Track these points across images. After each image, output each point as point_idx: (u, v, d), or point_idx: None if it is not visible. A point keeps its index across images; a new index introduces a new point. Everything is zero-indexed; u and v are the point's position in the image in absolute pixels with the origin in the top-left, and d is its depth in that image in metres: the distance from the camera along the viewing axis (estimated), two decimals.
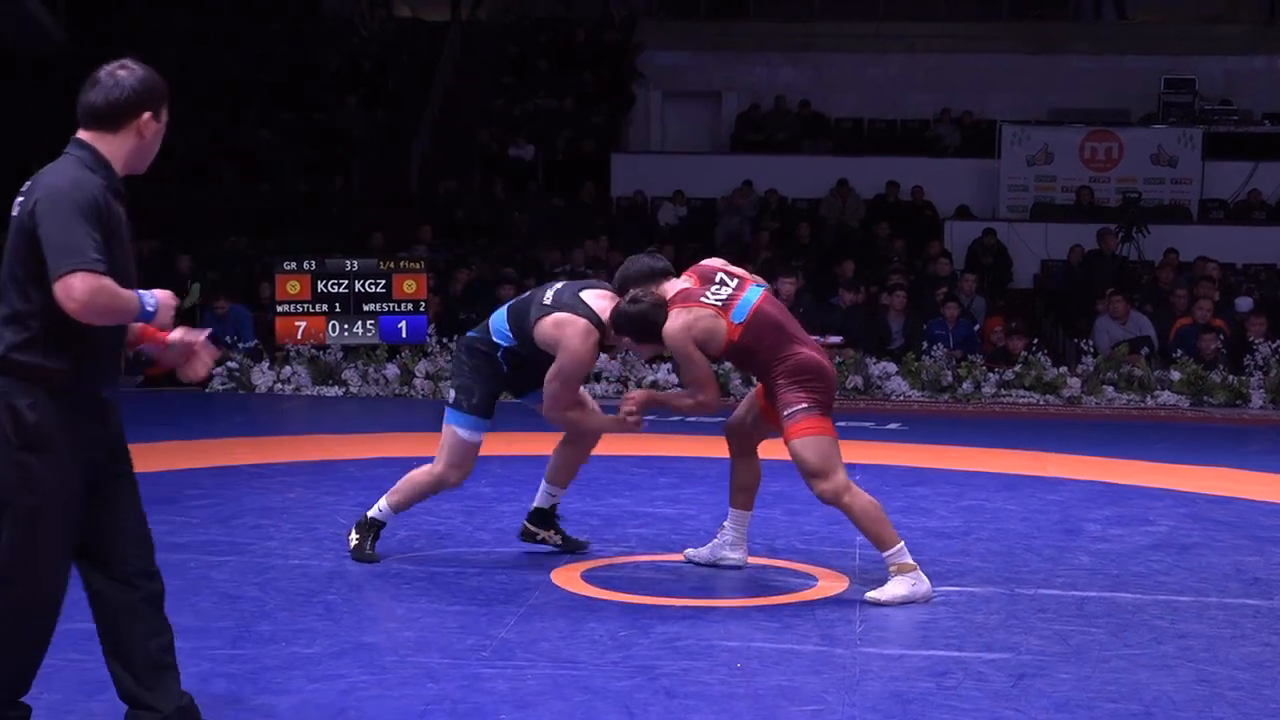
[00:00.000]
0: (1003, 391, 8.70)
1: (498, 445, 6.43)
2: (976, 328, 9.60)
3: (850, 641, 3.33)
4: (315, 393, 8.57)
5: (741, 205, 12.69)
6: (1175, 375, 8.62)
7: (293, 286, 8.83)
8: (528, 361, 3.85)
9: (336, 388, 8.61)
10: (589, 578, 3.90)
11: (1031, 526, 4.76)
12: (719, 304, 3.71)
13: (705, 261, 3.91)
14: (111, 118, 2.34)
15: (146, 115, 2.37)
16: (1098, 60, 14.03)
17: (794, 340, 3.72)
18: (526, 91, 14.22)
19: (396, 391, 8.57)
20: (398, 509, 4.03)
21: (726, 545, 4.00)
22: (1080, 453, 6.57)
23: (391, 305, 8.86)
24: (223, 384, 8.73)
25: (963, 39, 14.34)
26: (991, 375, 8.77)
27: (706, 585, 3.87)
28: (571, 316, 3.73)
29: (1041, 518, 4.92)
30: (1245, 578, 4.07)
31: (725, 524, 4.03)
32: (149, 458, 5.74)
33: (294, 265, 8.92)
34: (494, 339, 3.87)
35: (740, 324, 3.69)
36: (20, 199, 2.33)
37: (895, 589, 3.64)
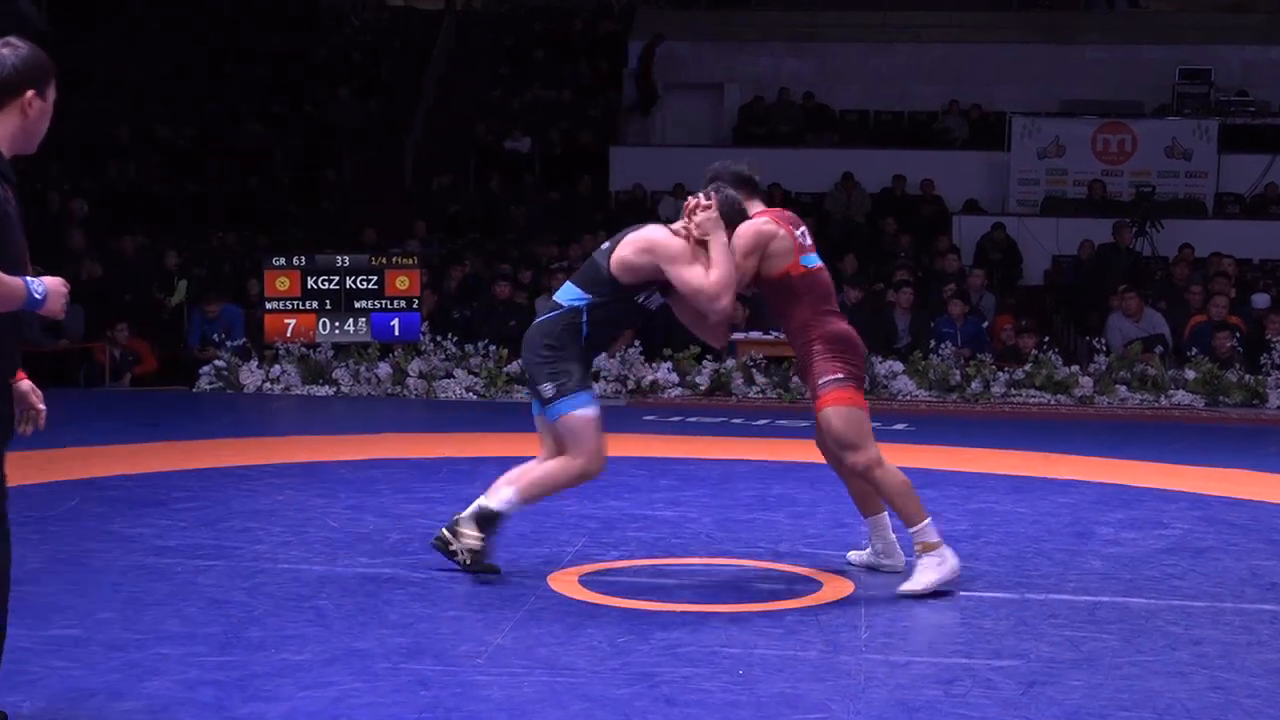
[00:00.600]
0: (1012, 391, 8.61)
1: (494, 447, 6.40)
2: (985, 325, 9.50)
3: (855, 648, 3.26)
4: (305, 392, 8.53)
5: None
6: (1190, 374, 8.52)
7: (282, 283, 8.78)
8: (609, 320, 3.76)
9: (327, 387, 8.56)
10: (587, 582, 3.83)
11: (1042, 530, 4.68)
12: (802, 240, 3.77)
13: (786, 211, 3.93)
14: None
15: (30, 93, 2.34)
16: (1110, 50, 13.91)
17: (835, 311, 3.79)
18: (522, 83, 14.16)
19: (389, 391, 8.52)
20: (525, 502, 3.79)
21: (881, 555, 3.96)
22: (1092, 454, 6.49)
23: (384, 302, 8.80)
24: (210, 383, 8.69)
25: (971, 28, 14.24)
26: (1001, 374, 8.68)
27: (707, 590, 3.80)
28: (637, 232, 3.73)
29: (1052, 520, 4.84)
30: (1261, 582, 3.99)
31: (871, 538, 3.98)
32: (135, 459, 5.73)
33: (283, 261, 8.88)
34: (570, 305, 3.73)
35: (806, 268, 3.73)
36: None
37: (925, 576, 3.63)
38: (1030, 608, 3.64)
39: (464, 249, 11.49)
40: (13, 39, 2.37)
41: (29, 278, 2.30)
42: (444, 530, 3.83)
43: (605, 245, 3.79)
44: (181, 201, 12.58)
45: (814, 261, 3.78)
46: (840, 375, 3.66)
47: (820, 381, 3.69)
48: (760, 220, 3.75)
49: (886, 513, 3.90)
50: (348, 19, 15.30)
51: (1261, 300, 9.64)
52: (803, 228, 3.84)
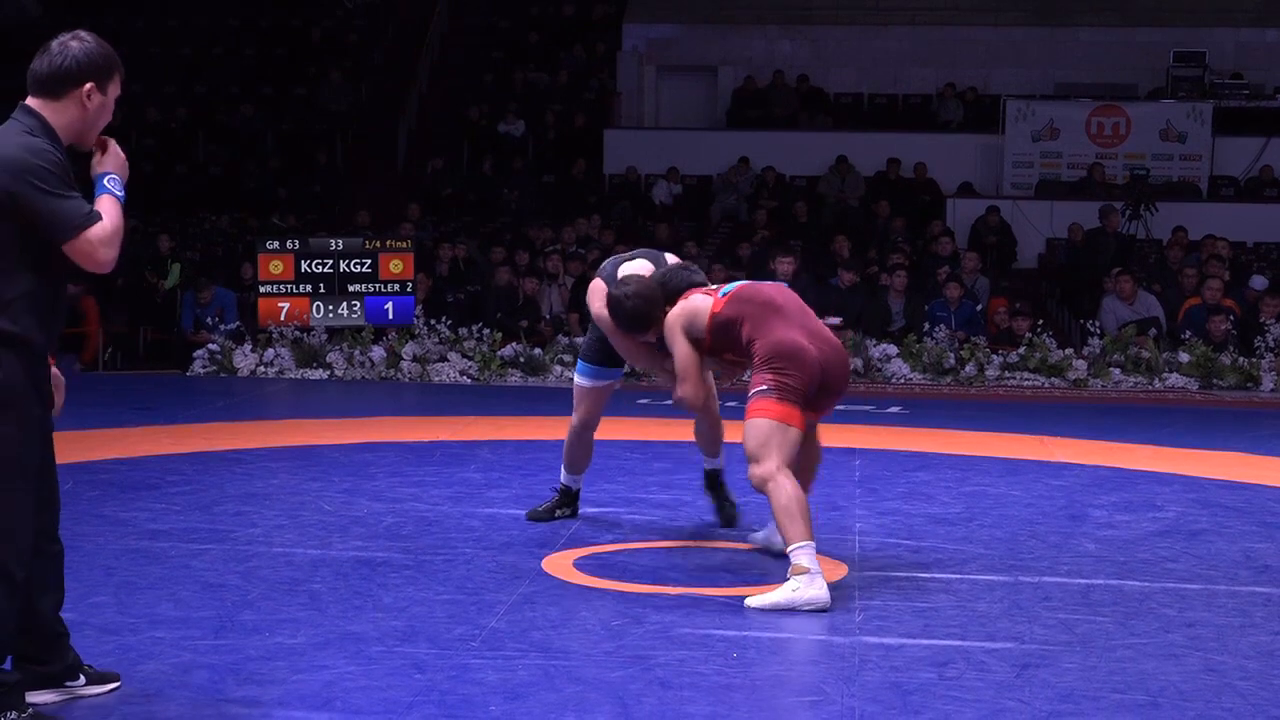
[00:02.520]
0: (1006, 374, 8.61)
1: (487, 430, 6.39)
2: (980, 308, 9.49)
3: (849, 630, 3.27)
4: (299, 376, 8.50)
5: (737, 183, 12.59)
6: (1184, 357, 8.52)
7: (276, 266, 8.74)
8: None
9: (321, 371, 8.53)
10: (581, 566, 3.83)
11: (1036, 512, 4.69)
12: (712, 288, 3.78)
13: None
14: (54, 85, 2.41)
15: (89, 85, 2.43)
16: (1105, 33, 13.87)
17: (782, 321, 3.63)
18: (516, 65, 14.09)
19: (383, 374, 8.50)
20: (576, 470, 4.35)
21: (773, 534, 3.90)
22: (1086, 437, 6.50)
23: (377, 286, 8.76)
24: (204, 367, 8.66)
25: (966, 11, 14.19)
26: (995, 357, 8.67)
27: (701, 574, 3.80)
28: (597, 283, 4.03)
29: (1046, 503, 4.85)
30: (1255, 565, 4.00)
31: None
32: (128, 443, 5.72)
33: (277, 245, 8.83)
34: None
35: (724, 296, 3.71)
36: None
37: (776, 595, 3.42)
38: (1024, 590, 3.65)
39: (457, 232, 11.44)
40: (82, 32, 2.47)
41: (102, 184, 2.46)
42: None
43: (607, 264, 4.10)
44: (173, 184, 12.51)
45: (738, 284, 3.77)
46: (764, 387, 3.56)
47: (749, 392, 3.61)
48: (676, 307, 3.75)
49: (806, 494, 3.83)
50: (340, 2, 15.19)
51: (1259, 282, 9.63)
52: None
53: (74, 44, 2.44)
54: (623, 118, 13.89)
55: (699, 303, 3.72)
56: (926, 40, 14.05)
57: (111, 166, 2.49)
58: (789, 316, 3.67)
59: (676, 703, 2.76)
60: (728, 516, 4.31)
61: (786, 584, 3.46)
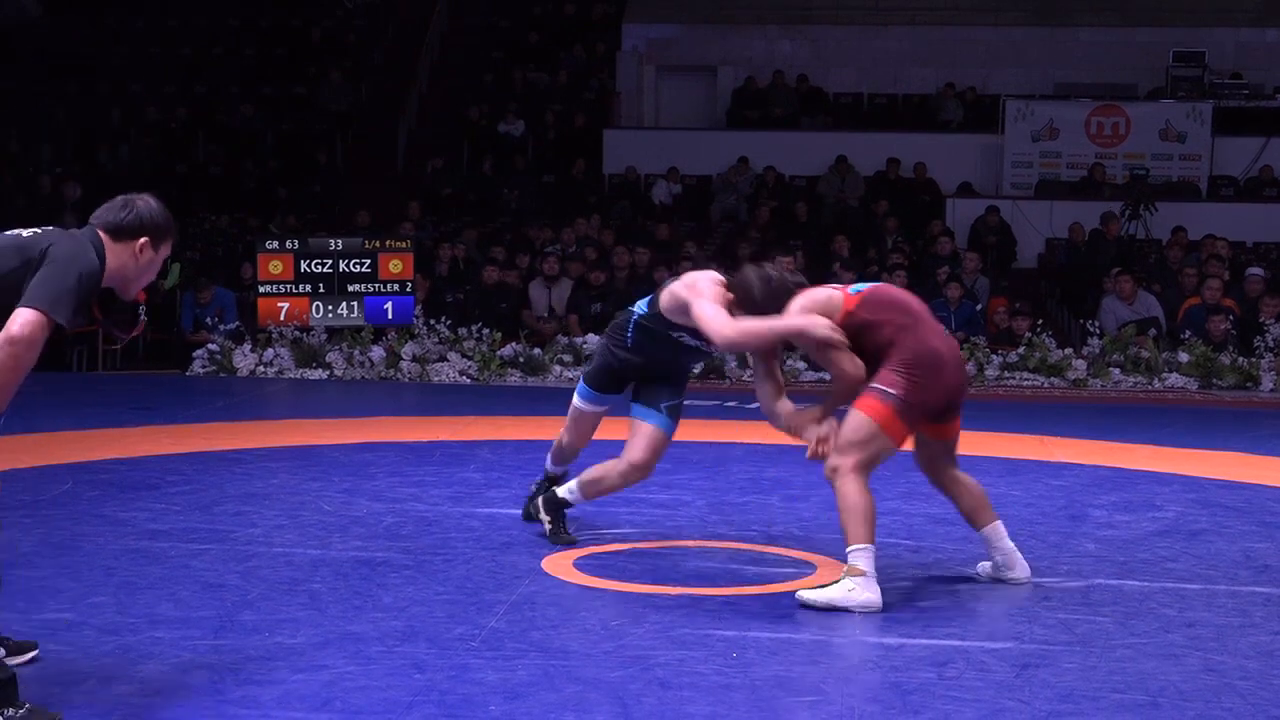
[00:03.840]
0: (1006, 374, 8.61)
1: (486, 430, 6.39)
2: (979, 308, 9.49)
3: (849, 630, 3.27)
4: (298, 376, 8.50)
5: (737, 183, 12.58)
6: (1184, 357, 8.52)
7: (275, 266, 8.74)
8: (651, 337, 3.86)
9: (320, 371, 8.53)
10: (581, 566, 3.83)
11: (1035, 512, 4.68)
12: (836, 286, 3.65)
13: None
14: (116, 231, 2.76)
15: (144, 240, 2.76)
16: (1104, 33, 13.87)
17: (927, 330, 3.49)
18: (516, 65, 14.09)
19: (382, 374, 8.49)
20: (589, 497, 4.10)
21: (1003, 568, 3.69)
22: (1086, 437, 6.49)
23: (377, 286, 8.76)
24: (204, 367, 8.66)
25: (966, 11, 14.19)
26: (995, 357, 8.67)
27: (701, 573, 3.80)
28: (694, 273, 3.83)
29: (1046, 503, 4.84)
30: (1255, 565, 4.00)
31: (989, 549, 3.71)
32: (128, 442, 5.72)
33: (276, 244, 8.83)
34: (630, 308, 3.97)
35: (858, 295, 3.52)
36: (36, 233, 2.70)
37: (830, 592, 3.41)
38: (1023, 590, 3.64)
39: (457, 232, 11.44)
40: (148, 197, 2.83)
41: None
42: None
43: (670, 279, 3.99)
44: (172, 184, 12.50)
45: (868, 285, 3.63)
46: (892, 391, 3.39)
47: (871, 384, 3.45)
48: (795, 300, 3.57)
49: (999, 523, 3.66)
50: (340, 1, 15.19)
51: (1256, 271, 9.60)
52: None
53: (140, 204, 2.78)
54: (622, 118, 13.89)
55: (830, 294, 3.53)
56: (926, 40, 14.05)
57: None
58: (931, 326, 3.53)
59: (676, 703, 2.75)
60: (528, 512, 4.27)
61: (842, 583, 3.42)
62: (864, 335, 3.50)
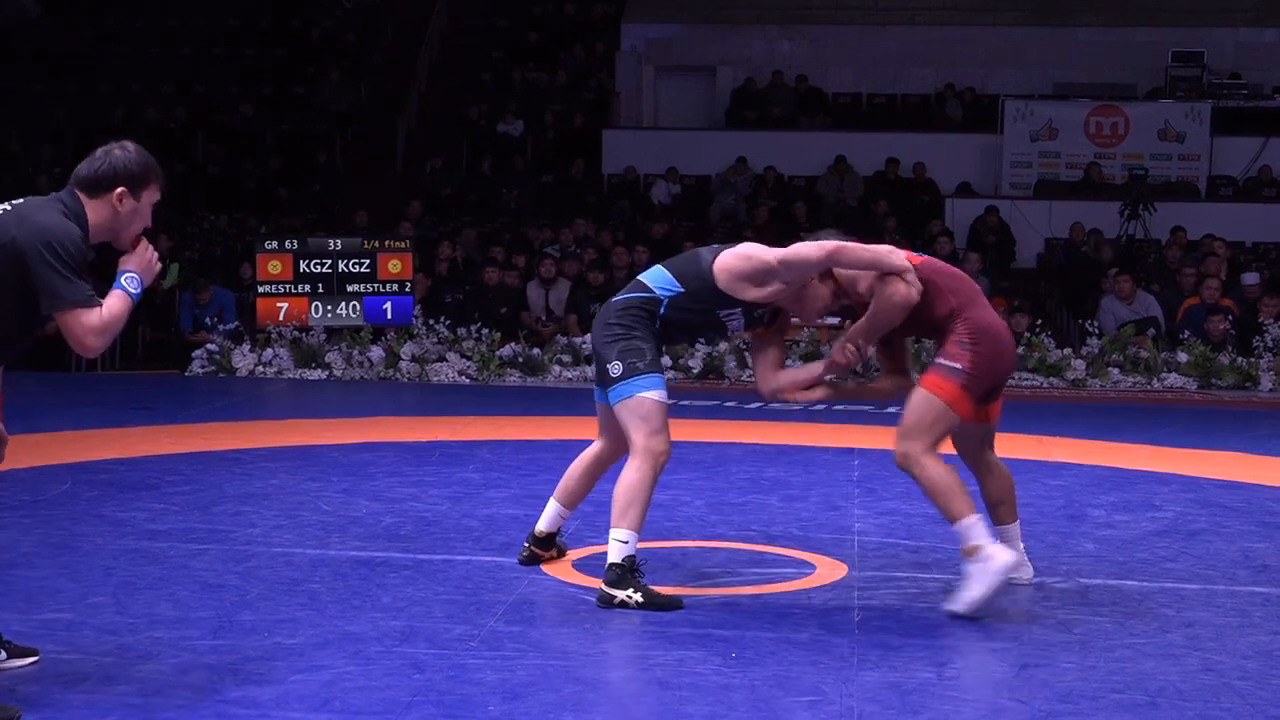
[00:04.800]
0: None
1: (486, 430, 6.38)
2: None
3: (848, 630, 3.27)
4: (297, 376, 8.49)
5: (736, 183, 12.59)
6: (1183, 357, 8.52)
7: (274, 266, 8.73)
8: (685, 321, 3.53)
9: (319, 371, 8.53)
10: (580, 566, 3.83)
11: (1034, 512, 4.67)
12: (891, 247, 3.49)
13: None
14: (90, 185, 2.67)
15: (120, 190, 2.66)
16: (1103, 33, 13.87)
17: (977, 297, 3.45)
18: (515, 65, 14.09)
19: (381, 374, 8.49)
20: (639, 526, 3.43)
21: (1016, 568, 3.56)
22: (1085, 437, 6.49)
23: (376, 286, 8.76)
24: (203, 367, 8.66)
25: (965, 11, 14.19)
26: None
27: (700, 573, 3.80)
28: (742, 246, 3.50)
29: (1045, 503, 4.84)
30: (1254, 565, 4.00)
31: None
32: (127, 443, 5.71)
33: (275, 244, 8.82)
34: (655, 292, 3.49)
35: (922, 257, 3.47)
36: (5, 208, 2.64)
37: (973, 591, 3.28)
38: (1022, 590, 3.64)
39: (456, 232, 11.44)
40: (127, 143, 2.72)
41: (119, 280, 2.65)
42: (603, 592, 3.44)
43: (715, 245, 3.59)
44: (171, 184, 12.48)
45: (922, 255, 3.53)
46: (957, 366, 3.34)
47: (937, 360, 3.39)
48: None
49: (1017, 524, 3.62)
50: (340, 1, 15.20)
51: (1251, 278, 9.62)
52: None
53: (118, 152, 2.68)
54: (621, 117, 13.89)
55: (892, 250, 3.40)
56: (925, 40, 14.05)
57: (133, 265, 2.68)
58: (985, 302, 3.49)
59: (675, 703, 2.75)
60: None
61: (971, 572, 3.31)
62: (924, 300, 3.42)
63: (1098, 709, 2.76)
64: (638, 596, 3.35)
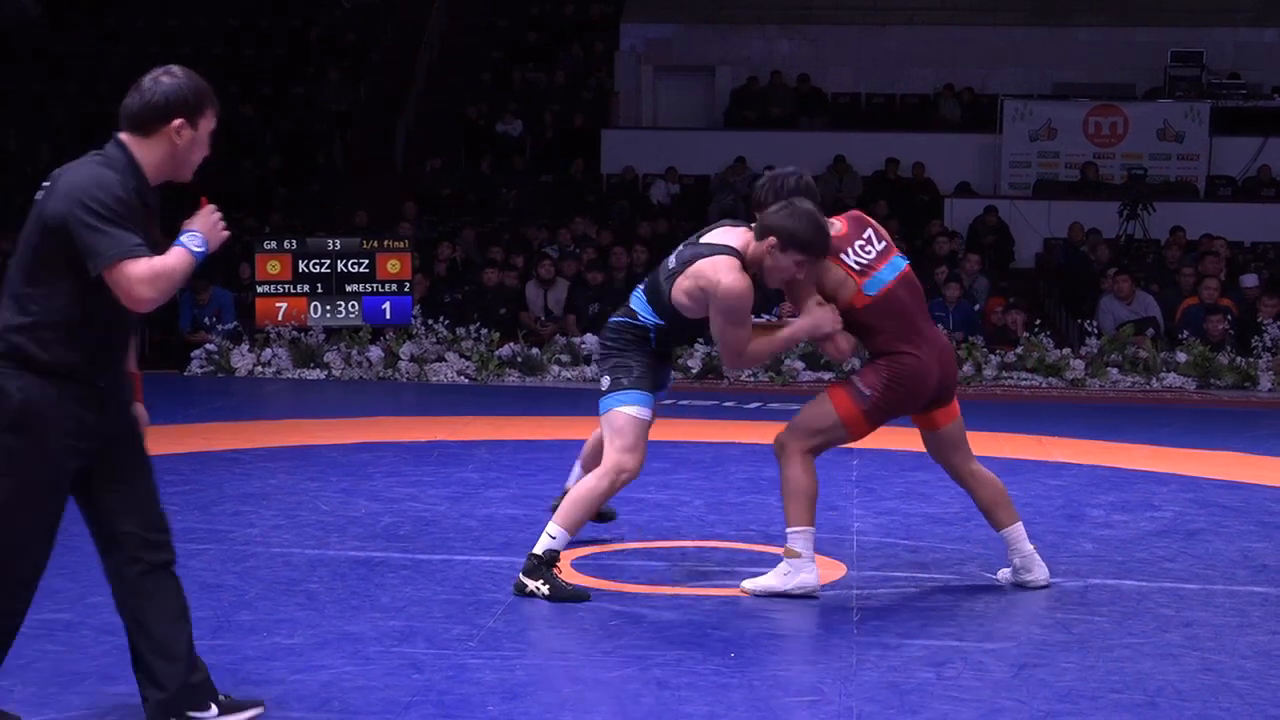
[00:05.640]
0: (1004, 374, 8.61)
1: (484, 430, 6.38)
2: (977, 308, 9.50)
3: (847, 630, 3.27)
4: (296, 376, 8.50)
5: (735, 183, 12.59)
6: (1182, 357, 8.52)
7: (273, 266, 8.73)
8: (675, 338, 3.64)
9: (318, 371, 8.53)
10: (579, 566, 3.83)
11: (1033, 512, 4.67)
12: (857, 267, 3.45)
13: (859, 213, 3.66)
14: (143, 122, 2.38)
15: (178, 121, 2.39)
16: (1102, 33, 13.88)
17: (914, 336, 3.45)
18: (514, 65, 14.09)
19: (380, 375, 8.49)
20: (575, 530, 3.54)
21: (1021, 571, 3.63)
22: (1083, 436, 6.49)
23: (375, 286, 8.76)
24: (201, 367, 8.66)
25: (964, 11, 14.19)
26: (993, 357, 8.67)
27: (699, 573, 3.80)
28: (702, 262, 3.41)
29: (1044, 503, 4.84)
30: (1253, 565, 4.00)
31: (1009, 551, 3.65)
32: None
33: (274, 244, 8.82)
34: (641, 320, 3.57)
35: (869, 297, 3.44)
36: (44, 187, 2.39)
37: (770, 580, 3.48)
38: (1022, 590, 3.64)
39: (455, 231, 11.45)
40: (174, 68, 2.43)
41: (179, 238, 2.39)
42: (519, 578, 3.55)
43: (672, 262, 3.53)
44: (170, 183, 12.48)
45: (881, 284, 3.44)
46: (867, 392, 3.41)
47: (854, 375, 3.50)
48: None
49: (1019, 524, 3.62)
50: (339, 1, 15.19)
51: (1250, 280, 9.63)
52: (870, 231, 3.52)
53: (165, 79, 2.40)
54: (621, 117, 13.89)
55: (845, 280, 3.42)
56: (924, 40, 14.05)
57: (198, 225, 2.43)
58: (919, 327, 3.48)
59: (674, 702, 2.75)
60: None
61: (779, 567, 3.50)
62: (858, 331, 3.51)
63: (1096, 709, 2.76)
64: (545, 589, 3.47)
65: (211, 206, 2.47)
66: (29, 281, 2.35)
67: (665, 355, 3.69)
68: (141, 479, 2.56)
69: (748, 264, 3.43)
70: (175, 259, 2.36)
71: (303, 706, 2.68)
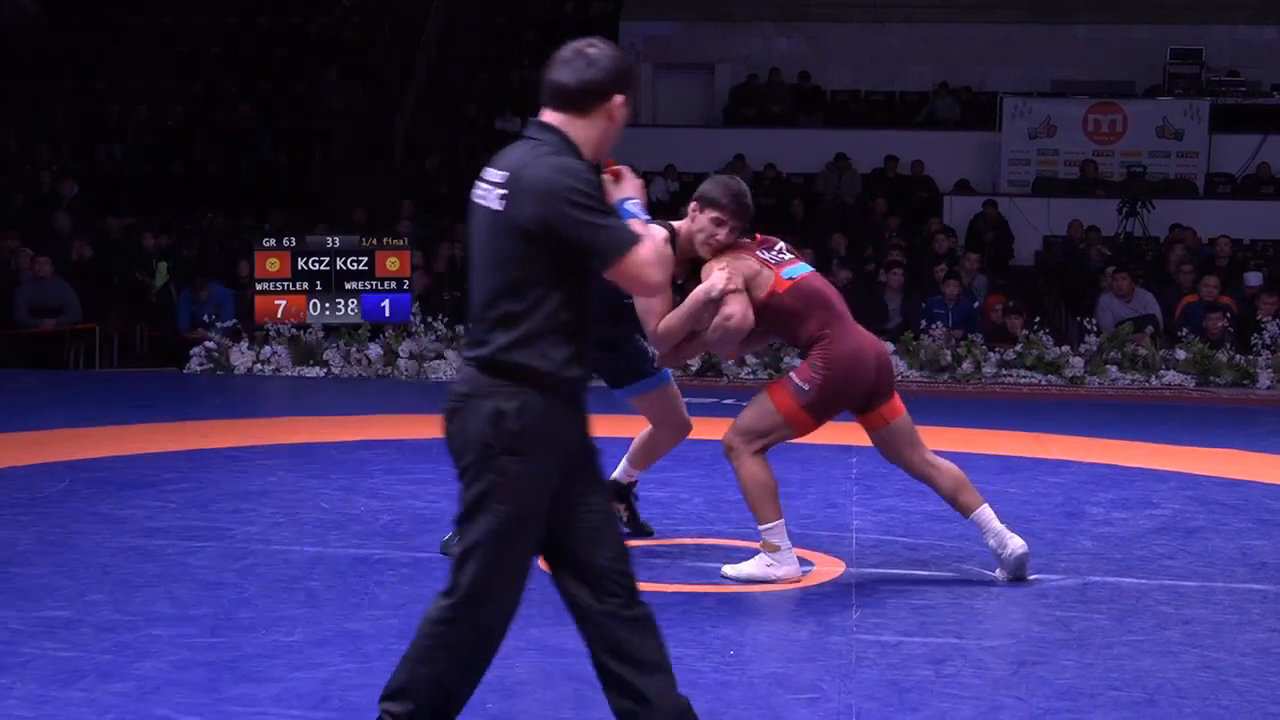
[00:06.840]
0: (1003, 371, 8.62)
1: None
2: (977, 306, 9.50)
3: (847, 628, 3.27)
4: (296, 373, 8.50)
5: None
6: (1181, 354, 8.53)
7: (272, 264, 8.74)
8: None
9: (318, 368, 8.53)
10: None
11: (1032, 510, 4.68)
12: (774, 261, 3.60)
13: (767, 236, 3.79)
14: (581, 99, 2.20)
15: (619, 98, 2.22)
16: (1102, 30, 13.87)
17: (850, 330, 3.57)
18: (513, 63, 14.08)
19: (380, 372, 8.49)
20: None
21: (999, 550, 3.65)
22: (1083, 434, 6.50)
23: (374, 283, 8.77)
24: (201, 365, 8.66)
25: (963, 8, 14.19)
26: (992, 355, 8.68)
27: (698, 571, 3.80)
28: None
29: (1043, 501, 4.85)
30: (1252, 562, 4.00)
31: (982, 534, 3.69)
32: (125, 440, 5.69)
33: (273, 242, 8.83)
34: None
35: (790, 281, 3.56)
36: (490, 189, 2.22)
37: (749, 567, 3.63)
38: (1021, 588, 3.64)
39: (454, 229, 11.44)
40: (596, 41, 2.24)
41: (627, 211, 2.22)
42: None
43: None
44: (170, 182, 12.50)
45: (798, 272, 3.60)
46: (805, 387, 3.52)
47: (790, 373, 3.61)
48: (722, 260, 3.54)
49: (985, 506, 3.64)
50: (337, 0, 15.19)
51: (1254, 278, 9.63)
52: (780, 245, 3.69)
53: (594, 52, 2.21)
54: None
55: (761, 270, 3.53)
56: (924, 38, 14.05)
57: (631, 192, 2.26)
58: (852, 323, 3.61)
59: None
60: (646, 529, 4.19)
61: (759, 557, 3.61)
62: (787, 320, 3.59)
63: (1096, 706, 2.76)
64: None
65: (626, 168, 2.30)
66: (512, 295, 2.17)
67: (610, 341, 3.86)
68: (601, 490, 2.36)
69: (680, 240, 3.63)
70: (655, 233, 2.23)
71: (302, 704, 2.68)
